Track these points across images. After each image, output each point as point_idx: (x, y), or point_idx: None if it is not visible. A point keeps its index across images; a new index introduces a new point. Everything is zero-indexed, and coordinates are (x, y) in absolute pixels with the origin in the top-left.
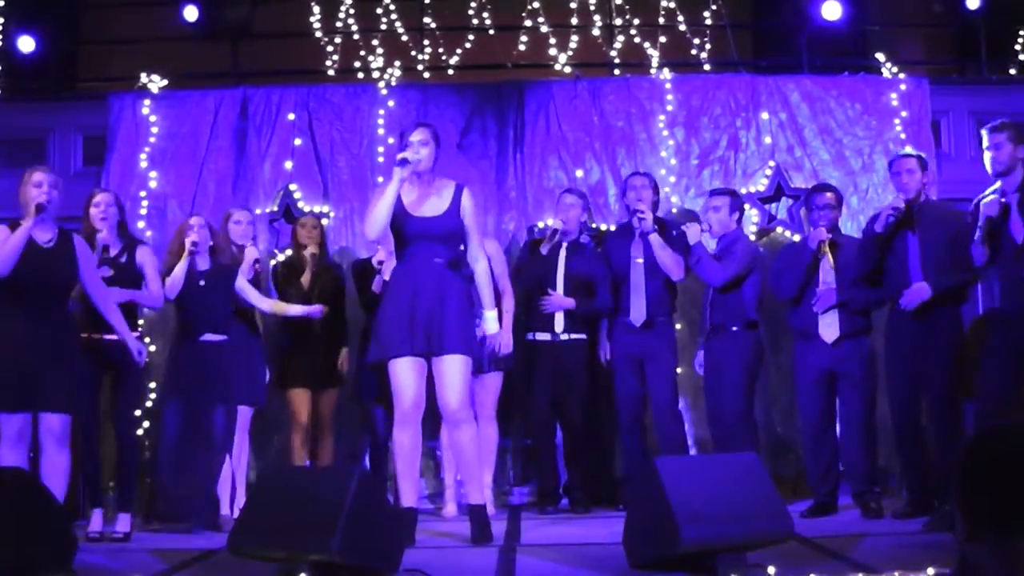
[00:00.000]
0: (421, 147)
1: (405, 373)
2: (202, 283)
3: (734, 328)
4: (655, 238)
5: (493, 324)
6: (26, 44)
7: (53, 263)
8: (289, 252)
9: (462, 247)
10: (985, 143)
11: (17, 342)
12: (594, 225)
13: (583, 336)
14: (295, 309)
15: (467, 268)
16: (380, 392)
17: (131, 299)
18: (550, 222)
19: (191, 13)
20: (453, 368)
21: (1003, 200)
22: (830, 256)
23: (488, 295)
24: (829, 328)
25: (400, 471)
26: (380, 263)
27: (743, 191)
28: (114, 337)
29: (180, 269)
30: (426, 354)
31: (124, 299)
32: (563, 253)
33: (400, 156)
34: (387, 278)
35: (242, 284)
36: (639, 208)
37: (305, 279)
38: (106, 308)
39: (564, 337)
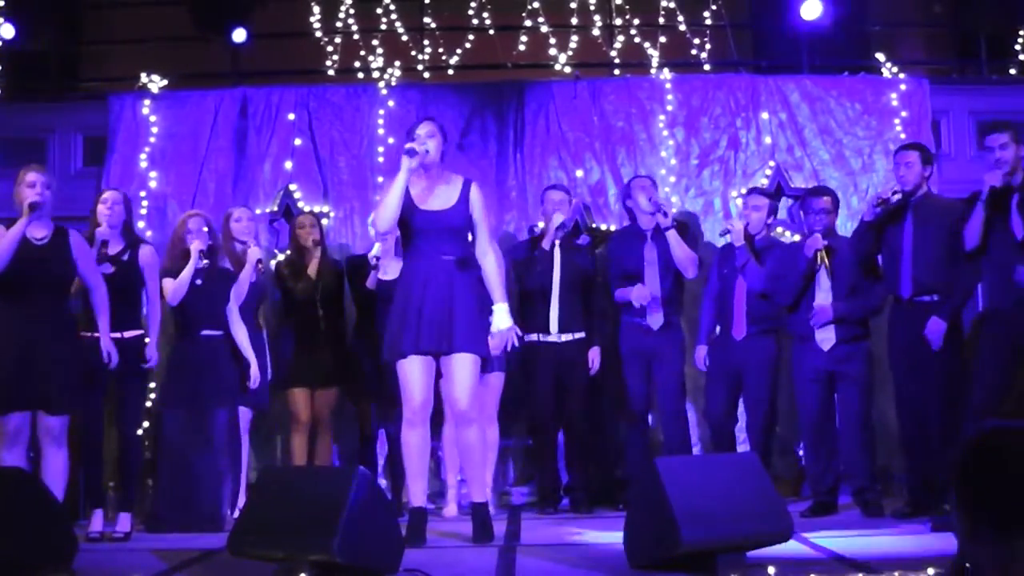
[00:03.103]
0: (428, 139)
1: (414, 372)
2: (199, 282)
3: (772, 329)
4: (673, 234)
5: (504, 318)
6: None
7: (47, 259)
8: (288, 252)
9: (470, 240)
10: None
11: (14, 341)
12: (593, 225)
13: (582, 335)
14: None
15: (477, 266)
16: (374, 389)
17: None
18: (540, 225)
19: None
20: (463, 366)
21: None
22: (827, 264)
23: (499, 289)
24: (825, 339)
25: (409, 472)
26: (376, 259)
27: (743, 191)
28: (117, 336)
29: (186, 274)
30: (435, 352)
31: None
32: (557, 252)
33: (408, 146)
34: (382, 275)
35: (231, 308)
36: (662, 204)
37: (312, 270)
38: (100, 305)
39: (565, 338)
